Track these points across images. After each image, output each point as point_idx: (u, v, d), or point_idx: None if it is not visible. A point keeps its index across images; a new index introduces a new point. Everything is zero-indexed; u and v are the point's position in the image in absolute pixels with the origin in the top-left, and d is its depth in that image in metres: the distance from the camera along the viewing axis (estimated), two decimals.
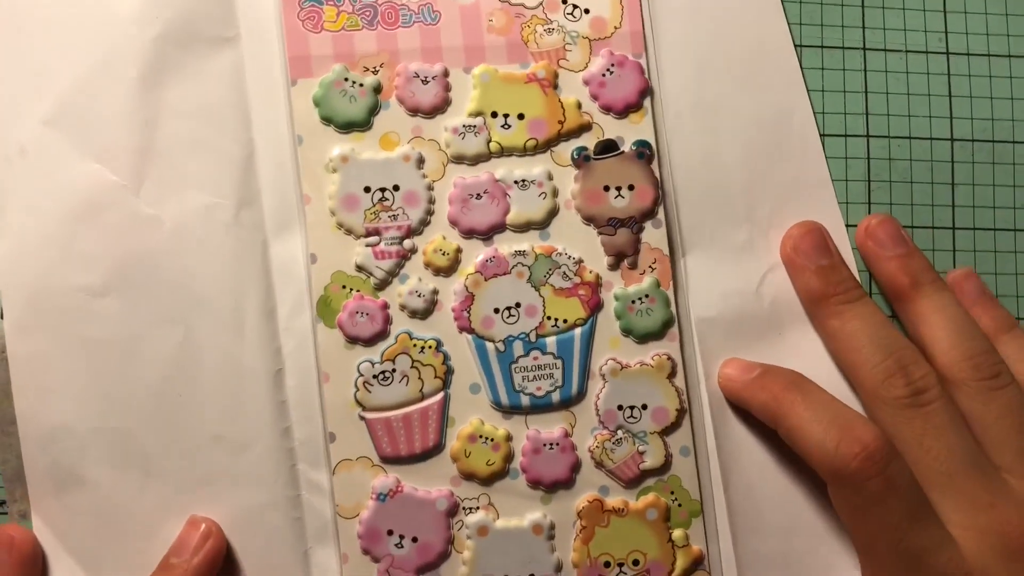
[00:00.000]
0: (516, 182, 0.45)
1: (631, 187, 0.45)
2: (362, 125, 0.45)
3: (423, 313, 0.45)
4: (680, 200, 0.46)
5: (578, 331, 0.45)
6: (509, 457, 0.43)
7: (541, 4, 0.46)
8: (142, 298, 0.43)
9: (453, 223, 0.45)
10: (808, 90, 0.46)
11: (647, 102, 0.46)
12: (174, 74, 0.44)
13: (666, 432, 0.45)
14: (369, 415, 0.44)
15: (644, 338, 0.45)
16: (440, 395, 0.44)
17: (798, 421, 0.39)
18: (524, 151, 0.45)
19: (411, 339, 0.44)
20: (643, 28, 0.46)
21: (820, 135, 0.46)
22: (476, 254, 0.45)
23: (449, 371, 0.45)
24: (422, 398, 0.44)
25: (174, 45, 0.44)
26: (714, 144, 0.46)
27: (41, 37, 0.44)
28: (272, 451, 0.43)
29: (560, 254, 0.45)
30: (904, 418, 0.39)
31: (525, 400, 0.45)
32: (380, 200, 0.44)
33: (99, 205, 0.43)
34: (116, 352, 0.43)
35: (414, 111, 0.45)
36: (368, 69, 0.45)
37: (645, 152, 0.46)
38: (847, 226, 0.47)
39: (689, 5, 0.47)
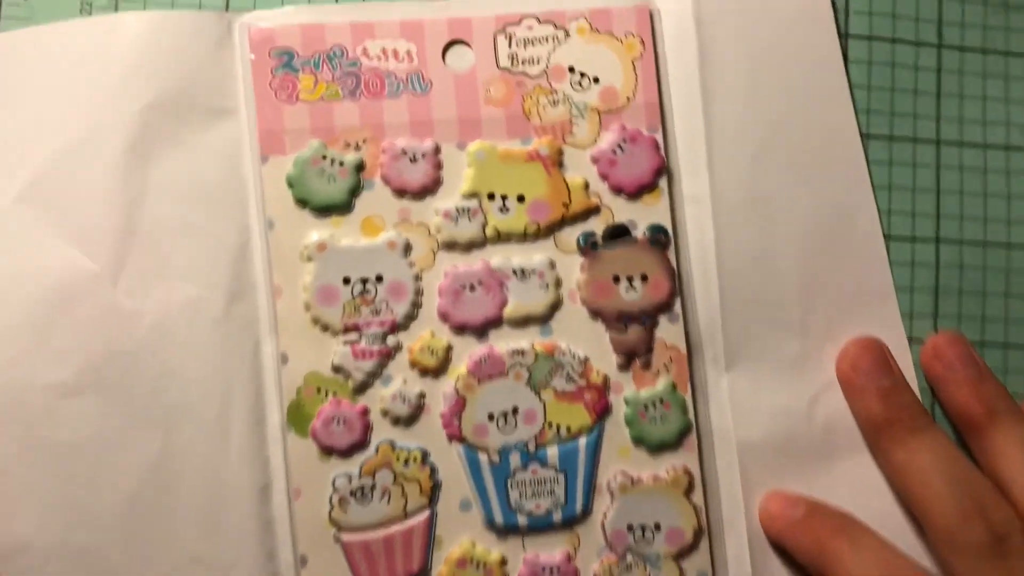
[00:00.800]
0: (515, 271, 0.39)
1: (644, 277, 0.40)
2: (342, 208, 0.39)
3: (408, 420, 0.39)
4: (726, 306, 0.40)
5: (583, 440, 0.40)
6: None
7: (545, 72, 0.40)
8: (117, 400, 0.38)
9: (443, 318, 0.39)
10: (873, 186, 0.40)
11: (663, 182, 0.41)
12: (164, 148, 0.39)
13: (682, 555, 0.39)
14: (346, 537, 0.38)
15: (658, 448, 0.40)
16: (426, 513, 0.39)
17: (844, 570, 0.33)
18: (524, 237, 0.40)
19: (394, 450, 0.39)
20: (660, 99, 0.41)
21: (884, 237, 0.40)
22: (469, 353, 0.39)
23: (436, 486, 0.39)
24: (405, 517, 0.39)
25: (166, 115, 0.39)
26: (767, 243, 0.41)
27: (16, 103, 0.39)
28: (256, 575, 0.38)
29: (563, 353, 0.40)
30: (983, 569, 0.34)
31: (522, 519, 0.39)
32: (361, 292, 0.39)
33: (73, 294, 0.38)
34: (86, 459, 0.38)
35: (401, 192, 0.40)
36: (349, 145, 0.39)
37: (660, 238, 0.40)
38: (910, 341, 0.41)
39: (745, 83, 0.41)
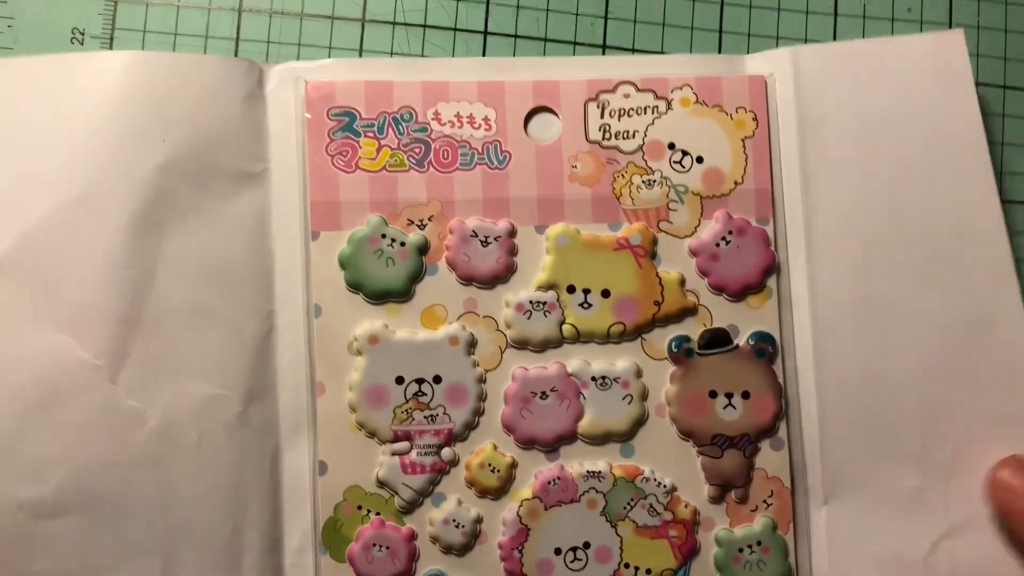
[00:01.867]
0: (594, 379, 0.33)
1: (746, 395, 0.33)
2: (400, 295, 0.33)
3: (461, 549, 0.33)
4: (826, 426, 0.34)
5: None
6: None
7: (641, 149, 0.34)
8: (108, 522, 0.32)
9: (508, 429, 0.33)
10: (1022, 289, 0.34)
11: (772, 282, 0.34)
12: (179, 217, 0.33)
13: None
14: None
15: None
16: None
17: None
18: (607, 338, 0.34)
19: None
20: (771, 186, 0.34)
21: None
22: (535, 472, 0.33)
23: None
24: None
25: (183, 179, 0.33)
26: (880, 355, 0.34)
27: (1, 155, 0.33)
28: None
29: (647, 479, 0.33)
30: None
31: None
32: (415, 395, 0.33)
33: (60, 391, 0.32)
34: None
35: (468, 280, 0.34)
36: (413, 223, 0.34)
37: (766, 349, 0.34)
38: None
39: (855, 159, 0.35)
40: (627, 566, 0.33)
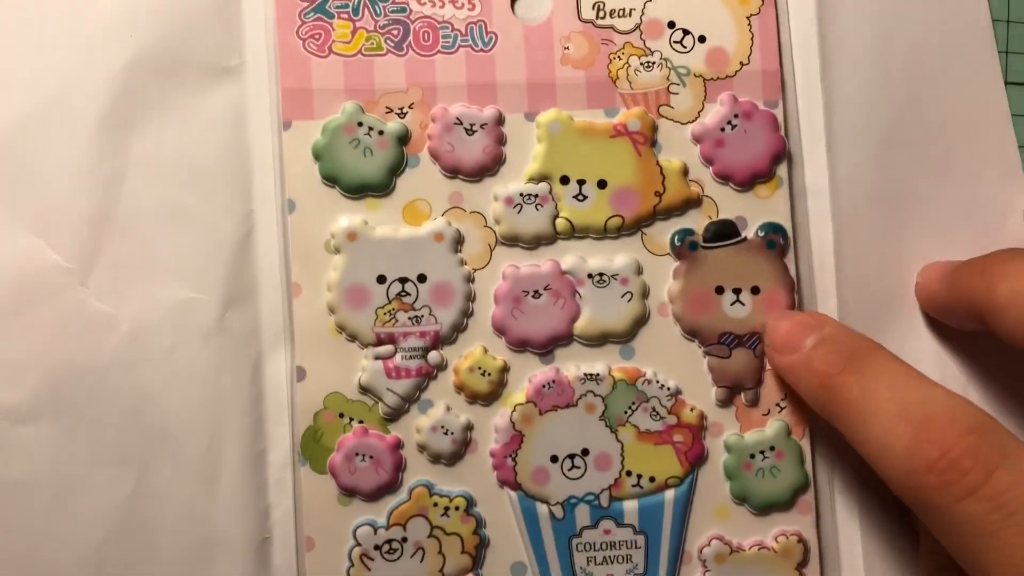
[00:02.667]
0: (591, 276, 0.30)
1: (755, 290, 0.31)
2: (380, 189, 0.31)
3: (450, 458, 0.30)
4: (846, 323, 0.31)
5: (670, 494, 0.30)
6: None
7: (638, 27, 0.31)
8: (81, 429, 0.30)
9: (499, 331, 0.30)
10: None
11: (781, 170, 0.31)
12: (150, 116, 0.31)
13: None
14: None
15: (765, 509, 0.30)
16: None
17: (855, 418, 0.26)
18: (604, 233, 0.31)
19: (431, 495, 0.30)
20: (781, 66, 0.31)
21: None
22: (529, 376, 0.30)
23: (483, 543, 0.30)
24: None
25: (153, 74, 0.31)
26: (899, 251, 0.32)
27: None
28: None
29: (649, 382, 0.30)
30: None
31: None
32: (399, 295, 0.30)
33: (30, 295, 0.30)
34: (40, 503, 0.30)
35: (453, 172, 0.31)
36: (392, 110, 0.31)
37: (777, 241, 0.31)
38: None
39: (874, 45, 0.32)
40: (629, 474, 0.31)
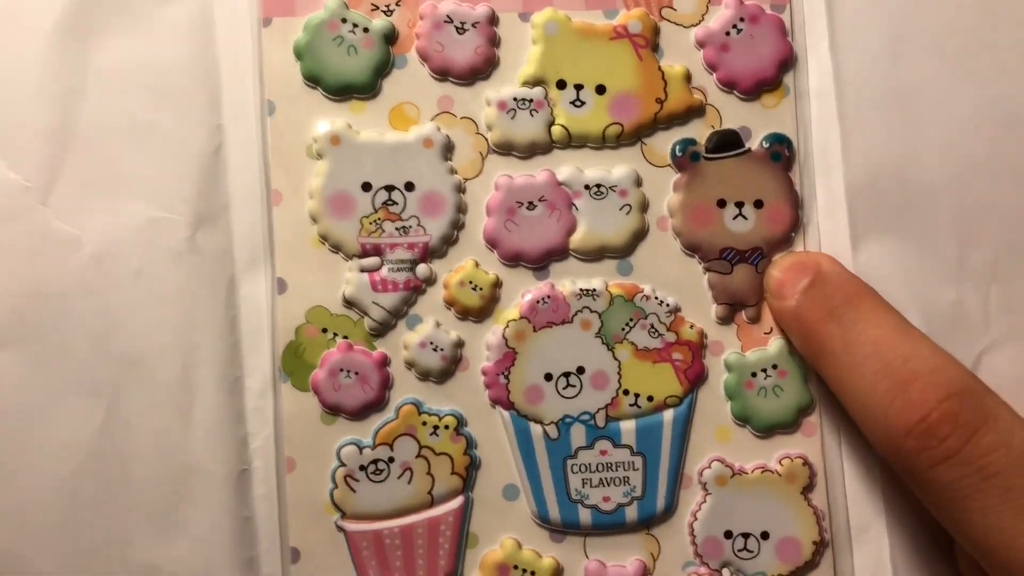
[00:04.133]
0: (588, 187, 0.29)
1: (758, 203, 0.29)
2: (365, 90, 0.29)
3: (440, 375, 0.28)
4: (857, 233, 0.29)
5: (669, 415, 0.29)
6: None
7: None
8: (48, 356, 0.28)
9: (491, 244, 0.29)
10: None
11: (789, 78, 0.29)
12: (110, 21, 0.29)
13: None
14: (351, 526, 0.28)
15: (768, 430, 0.29)
16: (458, 501, 0.28)
17: (837, 372, 0.25)
18: (602, 141, 0.29)
19: (419, 413, 0.28)
20: None
21: None
22: (523, 291, 0.28)
23: (474, 464, 0.28)
24: (431, 504, 0.28)
25: None
26: (913, 154, 0.29)
27: None
28: None
29: (647, 298, 0.29)
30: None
31: (585, 515, 0.28)
32: (385, 203, 0.28)
33: None
34: (5, 435, 0.28)
35: (442, 74, 0.29)
36: (378, 7, 0.29)
37: (782, 152, 0.29)
38: None
39: None
40: (626, 392, 0.29)
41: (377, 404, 0.28)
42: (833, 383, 0.26)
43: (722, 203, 0.29)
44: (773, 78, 0.29)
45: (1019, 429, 0.23)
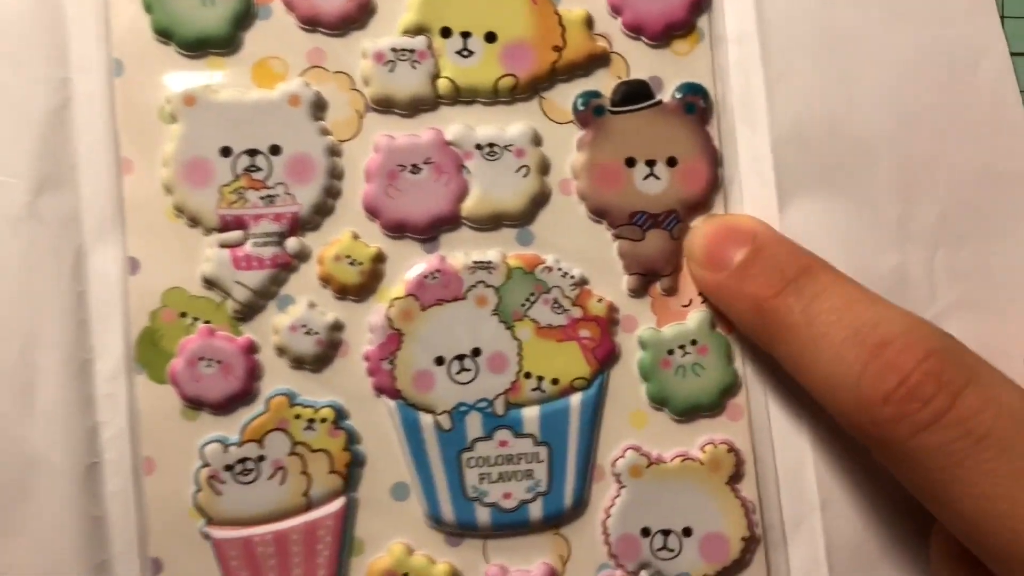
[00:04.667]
0: (480, 147, 0.25)
1: (672, 161, 0.26)
2: (223, 44, 0.25)
3: (315, 362, 0.25)
4: (784, 194, 0.26)
5: (576, 399, 0.25)
6: None
7: None
8: None
9: (371, 213, 0.25)
10: (1003, 19, 0.27)
11: (703, 21, 0.26)
12: None
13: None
14: (218, 533, 0.25)
15: (689, 414, 0.26)
16: (339, 502, 0.25)
17: (797, 347, 0.22)
18: (495, 96, 0.26)
19: (292, 405, 0.25)
20: None
21: (1022, 91, 0.26)
22: (409, 266, 0.25)
23: (356, 461, 0.25)
24: (308, 507, 0.25)
25: None
26: (848, 105, 0.26)
27: None
28: None
29: (550, 269, 0.25)
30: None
31: (484, 514, 0.25)
32: (247, 169, 0.25)
33: None
34: None
35: (311, 23, 0.26)
36: None
37: (697, 104, 0.26)
38: None
39: None
40: (528, 376, 0.26)
41: (244, 396, 0.25)
42: (792, 360, 0.23)
43: (631, 162, 0.26)
44: (685, 21, 0.26)
45: (1004, 386, 0.21)
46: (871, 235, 0.26)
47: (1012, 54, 0.27)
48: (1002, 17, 0.28)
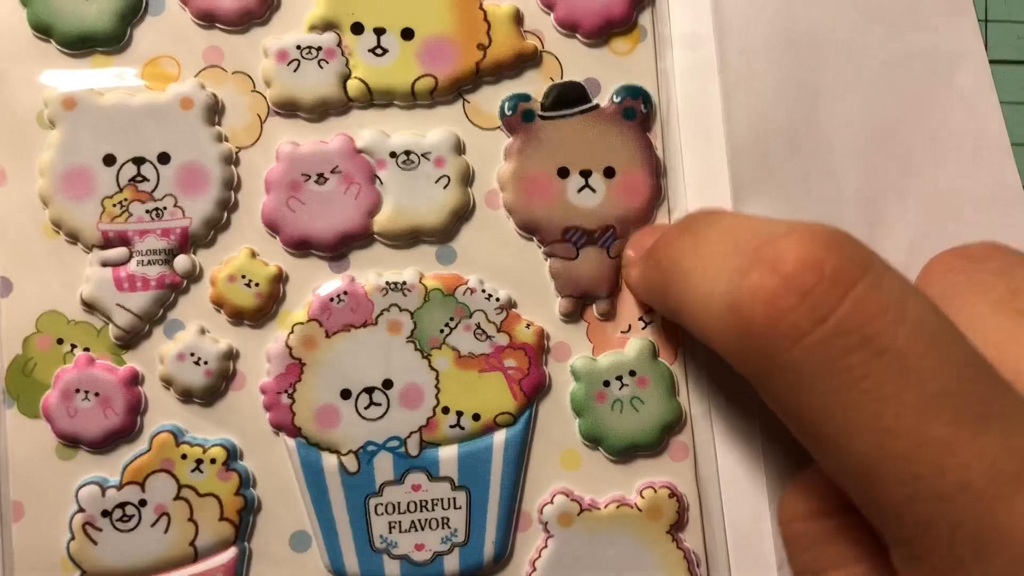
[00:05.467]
0: (395, 155, 0.23)
1: (609, 172, 0.23)
2: (110, 41, 0.23)
3: (205, 395, 0.22)
4: (741, 211, 0.23)
5: (500, 437, 0.23)
6: None
7: None
8: None
9: (272, 228, 0.23)
10: (981, 22, 0.25)
11: (645, 18, 0.24)
12: None
13: None
14: None
15: (626, 453, 0.23)
16: (230, 553, 0.22)
17: (681, 276, 0.19)
18: (413, 99, 0.23)
19: (179, 443, 0.22)
20: None
21: (1001, 102, 0.23)
22: (313, 287, 0.22)
23: (250, 507, 0.22)
24: (195, 558, 0.22)
25: None
26: (812, 113, 0.24)
27: None
28: None
29: (472, 291, 0.23)
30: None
31: (393, 567, 0.22)
32: (133, 180, 0.22)
33: None
34: None
35: (208, 19, 0.23)
36: None
37: (637, 109, 0.23)
38: None
39: None
40: (446, 411, 0.23)
41: (125, 433, 0.22)
42: (677, 295, 0.19)
43: (564, 172, 0.23)
44: (625, 18, 0.24)
45: (913, 297, 0.16)
46: None
47: (992, 62, 0.25)
48: (984, 21, 0.25)
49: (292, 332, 0.23)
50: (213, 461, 0.22)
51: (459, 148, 0.23)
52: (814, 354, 0.15)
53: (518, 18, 0.24)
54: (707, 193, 0.24)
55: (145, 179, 0.22)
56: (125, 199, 0.22)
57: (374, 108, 0.23)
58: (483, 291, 0.23)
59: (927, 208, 0.24)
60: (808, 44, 0.24)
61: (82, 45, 0.23)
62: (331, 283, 0.23)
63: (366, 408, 0.23)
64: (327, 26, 0.23)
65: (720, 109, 0.24)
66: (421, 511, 0.23)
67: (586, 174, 0.23)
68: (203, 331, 0.23)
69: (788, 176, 0.24)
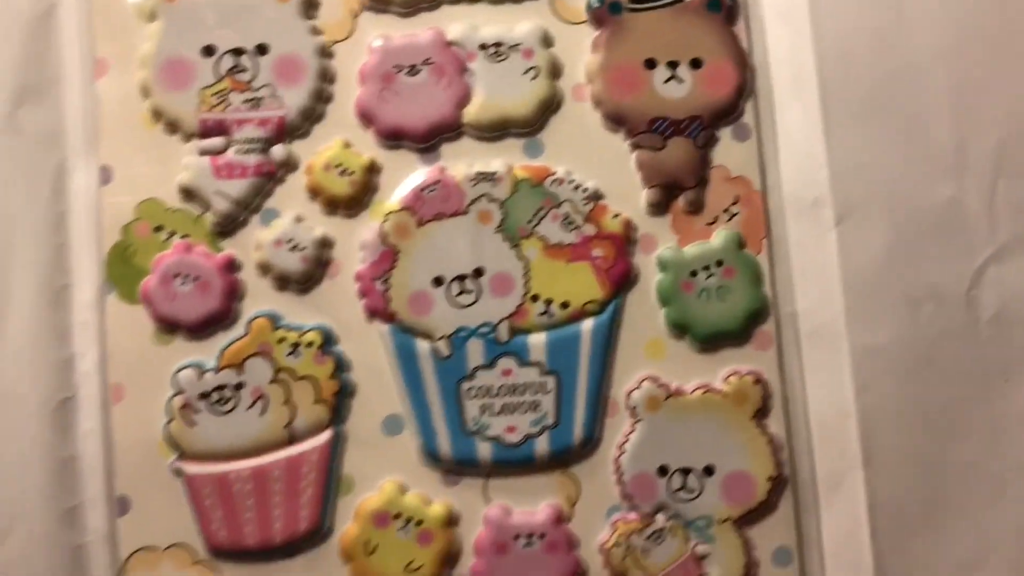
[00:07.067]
0: (484, 47, 0.23)
1: (696, 63, 0.23)
2: None
3: (302, 281, 0.23)
4: (832, 118, 0.24)
5: (588, 325, 0.23)
6: (450, 558, 0.22)
7: None
8: None
9: (365, 119, 0.23)
10: None
11: None
12: None
13: (748, 520, 0.22)
14: (191, 468, 0.22)
15: (712, 341, 0.23)
16: (326, 435, 0.22)
17: None
18: None
19: (276, 328, 0.22)
20: None
21: None
22: (405, 177, 0.23)
23: (345, 391, 0.23)
24: (291, 440, 0.22)
25: None
26: (899, 23, 0.24)
27: None
28: (45, 545, 0.22)
29: (560, 182, 0.23)
30: None
31: (485, 449, 0.22)
32: (232, 71, 0.23)
33: None
34: None
35: None
36: None
37: (722, 1, 0.23)
38: None
39: None
40: (535, 299, 0.23)
41: (222, 318, 0.23)
42: None
43: (651, 64, 0.23)
44: None
45: None
46: (924, 163, 0.23)
47: None
48: None
49: (386, 220, 0.23)
50: (310, 345, 0.23)
51: (547, 41, 0.24)
52: None
53: None
54: (793, 89, 0.24)
55: (244, 69, 0.23)
56: (224, 89, 0.23)
57: (464, 2, 0.24)
58: (571, 182, 0.23)
59: (1017, 108, 0.24)
60: None
61: None
62: (422, 173, 0.23)
63: (458, 295, 0.23)
64: None
65: (807, 5, 0.24)
66: (512, 395, 0.23)
67: (673, 65, 0.23)
68: (299, 219, 0.23)
69: (875, 81, 0.24)
